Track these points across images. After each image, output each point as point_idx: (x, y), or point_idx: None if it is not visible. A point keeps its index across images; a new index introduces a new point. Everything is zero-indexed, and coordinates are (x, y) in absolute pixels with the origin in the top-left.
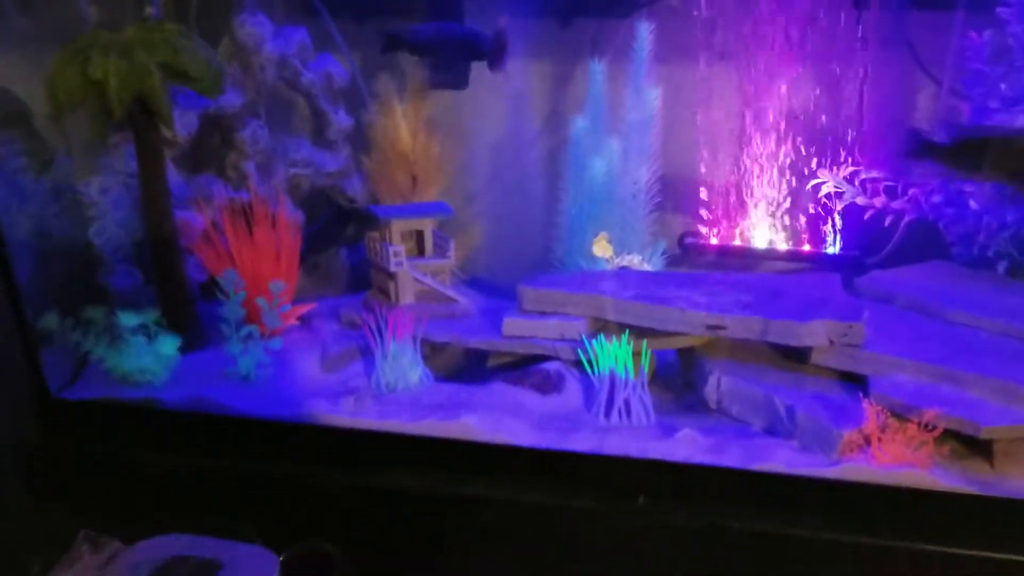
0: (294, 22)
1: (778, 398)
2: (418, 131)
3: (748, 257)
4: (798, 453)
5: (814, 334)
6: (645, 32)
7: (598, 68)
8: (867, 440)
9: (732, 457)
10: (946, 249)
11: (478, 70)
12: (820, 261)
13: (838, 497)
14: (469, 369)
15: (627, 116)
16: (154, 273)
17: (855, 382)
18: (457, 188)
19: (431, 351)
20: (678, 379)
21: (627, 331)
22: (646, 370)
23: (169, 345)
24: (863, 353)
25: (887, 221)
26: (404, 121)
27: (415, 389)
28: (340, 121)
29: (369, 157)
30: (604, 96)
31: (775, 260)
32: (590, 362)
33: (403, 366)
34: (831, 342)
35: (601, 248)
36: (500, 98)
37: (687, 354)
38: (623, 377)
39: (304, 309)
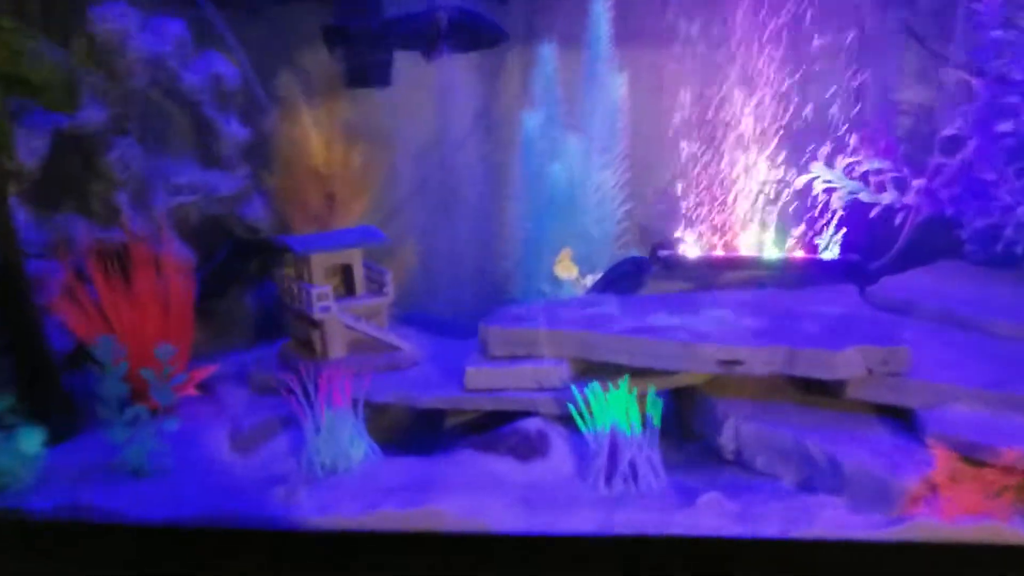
0: (169, 12)
1: (814, 444)
2: (333, 139)
3: (734, 268)
4: (849, 513)
5: (850, 364)
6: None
7: (549, 53)
8: (933, 490)
9: (771, 524)
10: (956, 247)
11: (403, 62)
12: (817, 269)
13: (906, 563)
14: (419, 432)
15: (586, 109)
16: (4, 344)
17: (900, 418)
18: (384, 205)
19: (369, 414)
20: (673, 426)
21: (627, 375)
22: (656, 421)
23: (31, 439)
24: (909, 382)
25: (898, 219)
26: (314, 128)
27: (361, 469)
28: (233, 132)
29: (272, 175)
30: (558, 86)
31: (764, 270)
32: (582, 416)
33: (342, 440)
34: (870, 371)
35: (564, 268)
36: (432, 94)
37: (687, 395)
38: (627, 433)
39: (204, 373)
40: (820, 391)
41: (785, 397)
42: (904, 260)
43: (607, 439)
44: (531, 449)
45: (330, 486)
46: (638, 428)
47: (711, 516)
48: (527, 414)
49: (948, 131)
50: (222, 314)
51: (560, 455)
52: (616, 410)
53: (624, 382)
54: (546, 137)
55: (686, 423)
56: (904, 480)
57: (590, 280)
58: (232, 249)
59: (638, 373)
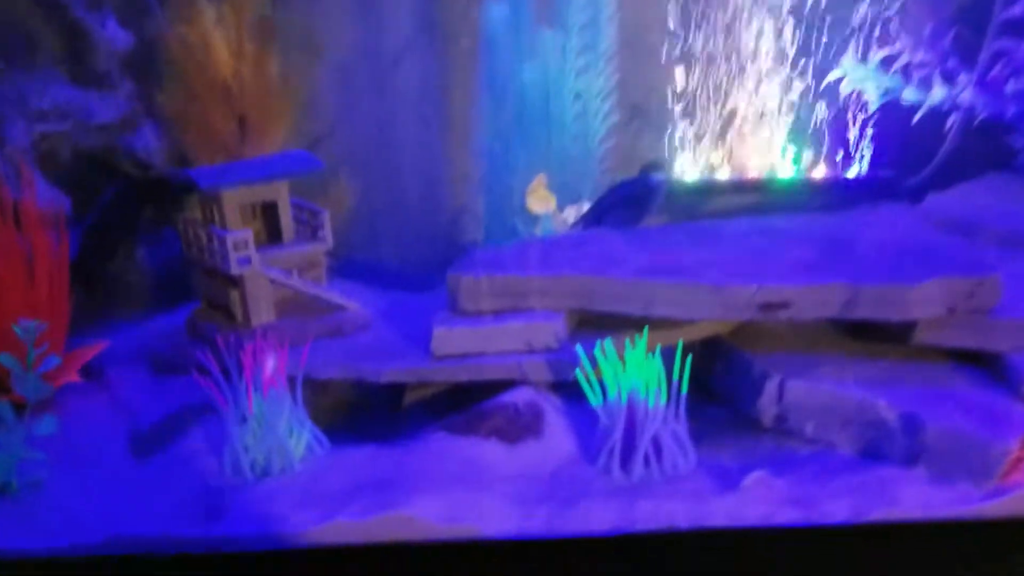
0: None
1: (885, 402)
2: (242, 44)
3: (741, 192)
4: (933, 485)
5: (929, 300)
6: None
7: None
8: None
9: (837, 506)
10: (1005, 158)
11: None
12: (843, 189)
13: (1006, 544)
14: (375, 414)
15: None
16: None
17: (982, 366)
18: (310, 129)
19: (310, 395)
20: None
21: (646, 330)
22: (683, 386)
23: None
24: (998, 322)
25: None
26: (219, 30)
27: (305, 468)
28: (111, 38)
29: (165, 93)
30: None
31: (775, 194)
32: (591, 384)
33: (278, 431)
34: (951, 310)
35: (539, 199)
36: None
37: (709, 350)
38: (649, 404)
39: (88, 354)
40: (876, 337)
41: (831, 347)
42: (945, 175)
43: (623, 411)
44: (521, 428)
45: (265, 493)
46: (662, 396)
47: (759, 501)
48: (510, 384)
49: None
50: (110, 276)
51: (558, 434)
52: (634, 374)
53: (644, 338)
54: (512, 34)
55: (707, 384)
56: (1001, 443)
57: (572, 214)
58: (119, 192)
59: (653, 326)
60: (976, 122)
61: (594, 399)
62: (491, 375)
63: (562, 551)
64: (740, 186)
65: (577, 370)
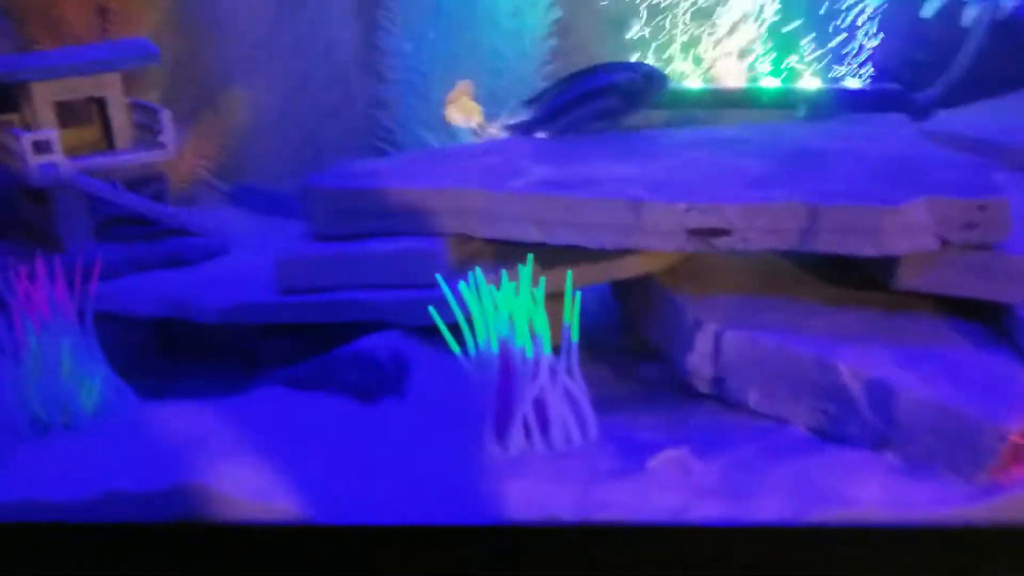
0: None
1: (848, 365)
2: None
3: (718, 104)
4: (904, 478)
5: (912, 229)
6: None
7: None
8: None
9: (773, 501)
10: None
11: None
12: (841, 102)
13: (1000, 556)
14: (211, 360)
15: None
16: None
17: (985, 322)
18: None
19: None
20: (614, 341)
21: (529, 257)
22: (574, 335)
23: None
24: (1008, 260)
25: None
26: None
27: (95, 424)
28: None
29: None
30: None
31: (760, 106)
32: (459, 329)
33: (64, 377)
34: (943, 242)
35: (461, 109)
36: None
37: (637, 293)
38: (527, 355)
39: None
40: (853, 282)
41: (793, 293)
42: (964, 88)
43: (495, 366)
44: (379, 384)
45: (35, 453)
46: (546, 346)
47: (670, 489)
48: (371, 327)
49: None
50: None
51: (426, 393)
52: (510, 317)
53: (526, 269)
54: None
55: (636, 336)
56: (997, 423)
57: (499, 129)
58: None
59: (557, 257)
60: (1004, 19)
61: (461, 348)
62: (347, 315)
63: (413, 543)
64: (715, 97)
65: (431, 309)
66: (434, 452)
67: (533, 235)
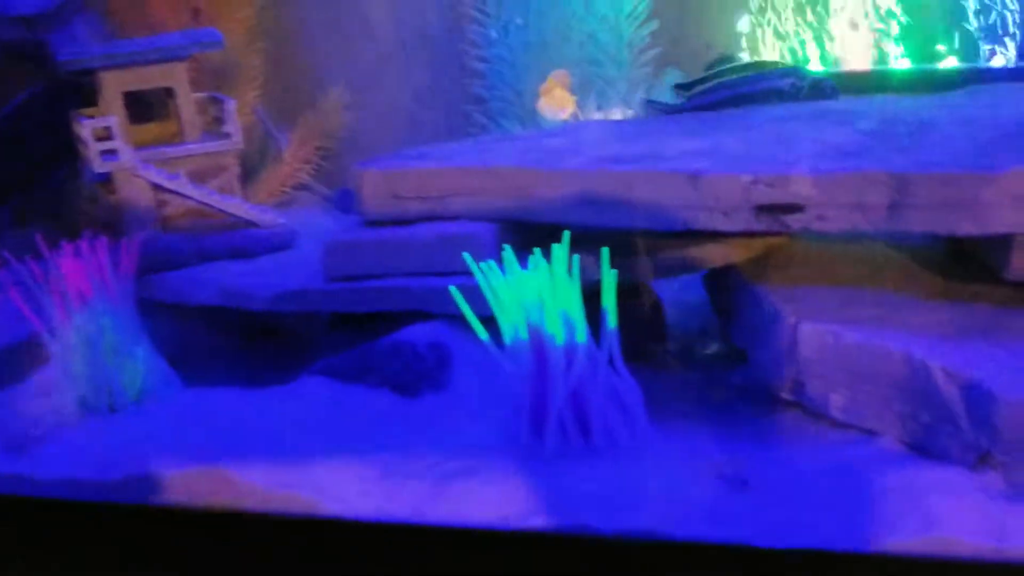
0: None
1: (941, 365)
2: None
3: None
4: (1008, 502)
5: (1021, 201)
6: None
7: None
8: None
9: (825, 523)
10: None
11: None
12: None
13: None
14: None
15: None
16: None
17: None
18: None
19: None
20: (709, 348)
21: (565, 235)
22: (611, 321)
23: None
24: None
25: None
26: None
27: (139, 409)
28: None
29: None
30: None
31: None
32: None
33: (99, 361)
34: None
35: (554, 100)
36: None
37: (725, 290)
38: (563, 342)
39: None
40: (973, 275)
41: (900, 287)
42: None
43: (529, 354)
44: (420, 377)
45: (78, 434)
46: (580, 334)
47: (709, 499)
48: (417, 316)
49: None
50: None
51: (466, 384)
52: (546, 299)
53: (563, 249)
54: None
55: (730, 342)
56: None
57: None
58: (36, 93)
59: (622, 243)
60: None
61: (498, 339)
62: (393, 304)
63: (420, 543)
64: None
65: (456, 293)
66: (467, 447)
67: (587, 217)
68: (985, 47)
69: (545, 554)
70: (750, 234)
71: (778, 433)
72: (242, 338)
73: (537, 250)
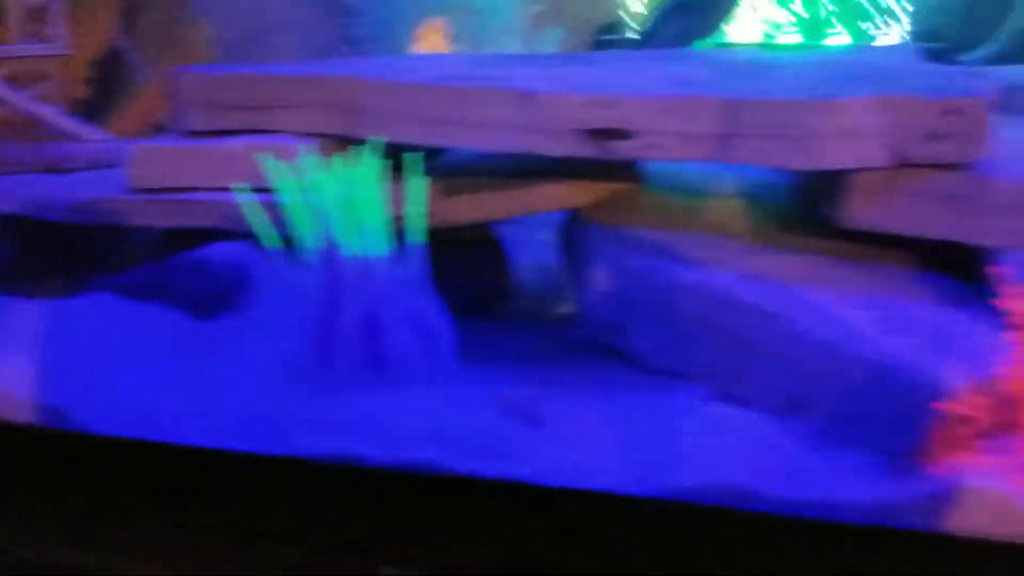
0: None
1: (755, 303)
2: None
3: None
4: (811, 451)
5: (857, 137)
6: None
7: None
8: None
9: (621, 466)
10: None
11: None
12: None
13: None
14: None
15: None
16: None
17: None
18: None
19: None
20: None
21: (372, 144)
22: (417, 234)
23: None
24: (981, 184)
25: None
26: None
27: None
28: None
29: None
30: None
31: None
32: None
33: None
34: (899, 159)
35: (429, 46)
36: None
37: (572, 239)
38: (358, 255)
39: None
40: (799, 226)
41: (740, 235)
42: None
43: (324, 265)
44: (215, 297)
45: None
46: (380, 244)
47: (496, 435)
48: (220, 233)
49: None
50: None
51: (267, 307)
52: (341, 218)
53: (369, 161)
54: None
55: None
56: (933, 389)
57: None
58: None
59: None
60: None
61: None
62: (196, 219)
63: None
64: None
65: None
66: (255, 372)
67: (416, 135)
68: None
69: (313, 482)
70: (595, 177)
71: (590, 378)
72: (38, 251)
73: (340, 162)
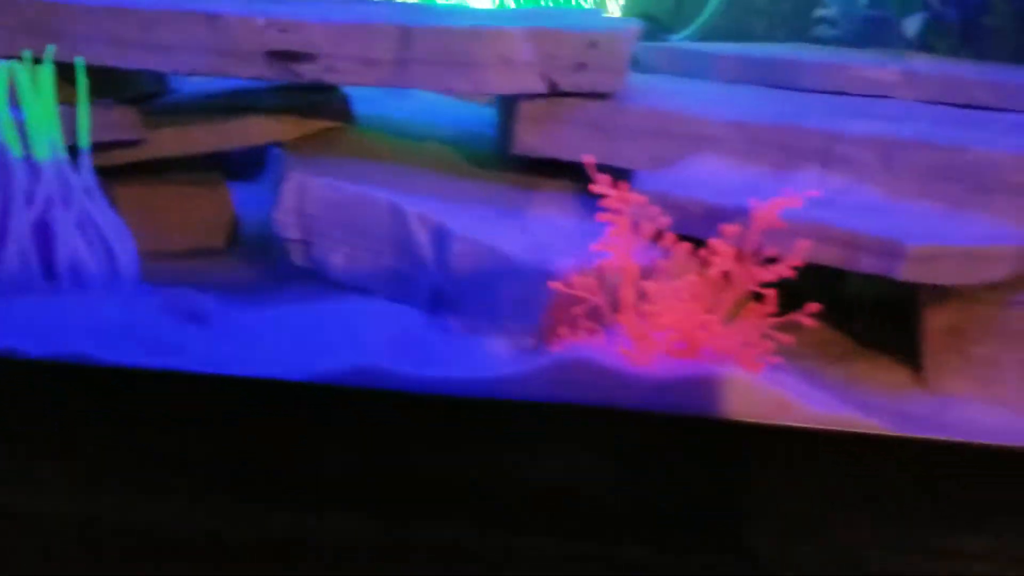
0: None
1: (415, 211)
2: None
3: None
4: (449, 343)
5: (512, 64)
6: None
7: None
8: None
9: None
10: None
11: None
12: None
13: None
14: None
15: None
16: None
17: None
18: None
19: None
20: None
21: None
22: (83, 140)
23: None
24: (620, 111)
25: None
26: None
27: None
28: None
29: None
30: None
31: None
32: None
33: None
34: (553, 88)
35: None
36: None
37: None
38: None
39: None
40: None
41: (438, 167)
42: None
43: None
44: None
45: None
46: (47, 153)
47: (158, 332)
48: None
49: None
50: None
51: None
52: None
53: (45, 67)
54: None
55: None
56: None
57: None
58: None
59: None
60: None
61: None
62: None
63: None
64: None
65: None
66: None
67: (106, 56)
68: None
69: None
70: (305, 114)
71: (269, 291)
72: None
73: (7, 63)
